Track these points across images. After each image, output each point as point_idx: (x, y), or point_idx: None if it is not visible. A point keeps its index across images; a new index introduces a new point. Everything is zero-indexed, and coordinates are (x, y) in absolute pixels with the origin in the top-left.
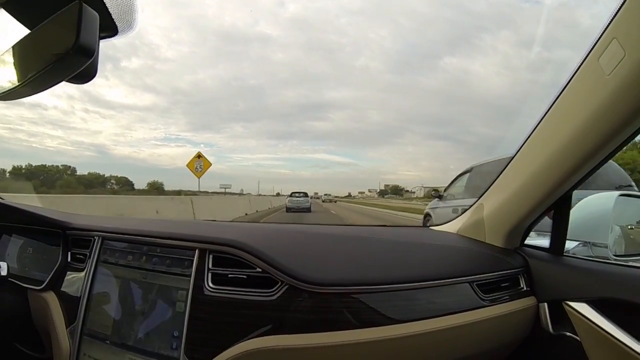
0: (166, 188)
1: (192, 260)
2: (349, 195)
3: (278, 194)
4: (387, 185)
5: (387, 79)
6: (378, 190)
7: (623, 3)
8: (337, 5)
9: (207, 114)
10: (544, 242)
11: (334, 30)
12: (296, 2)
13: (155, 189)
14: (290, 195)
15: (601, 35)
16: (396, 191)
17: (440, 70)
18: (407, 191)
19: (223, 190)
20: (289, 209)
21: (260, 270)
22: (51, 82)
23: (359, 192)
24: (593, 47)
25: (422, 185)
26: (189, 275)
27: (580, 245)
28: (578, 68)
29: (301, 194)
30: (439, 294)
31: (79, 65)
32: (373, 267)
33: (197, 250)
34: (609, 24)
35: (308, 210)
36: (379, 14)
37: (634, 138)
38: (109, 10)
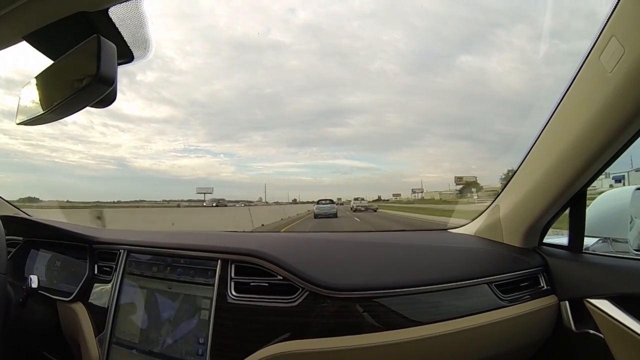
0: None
1: (215, 270)
2: (379, 199)
3: (295, 201)
4: (460, 179)
5: (404, 81)
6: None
7: (619, 1)
8: (348, 10)
9: (226, 124)
10: (563, 240)
11: (346, 35)
12: (306, 9)
13: None
14: (317, 203)
15: (600, 34)
16: None
17: (457, 70)
18: None
19: (202, 195)
20: (316, 215)
21: (281, 277)
22: (75, 108)
23: (394, 195)
24: (593, 45)
25: None
26: (213, 285)
27: (600, 241)
28: (581, 67)
29: (327, 201)
30: (458, 295)
31: (100, 93)
32: (392, 271)
33: (219, 261)
34: (607, 21)
35: (334, 215)
36: (391, 15)
37: None
38: (125, 39)
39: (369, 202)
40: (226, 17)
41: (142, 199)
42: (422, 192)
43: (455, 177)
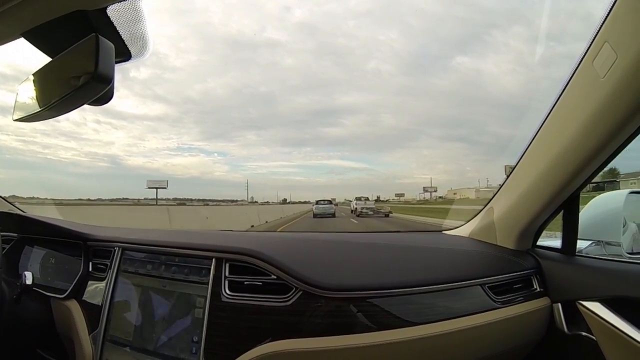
0: (173, 197)
1: (210, 269)
2: (378, 200)
3: (285, 200)
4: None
5: (400, 82)
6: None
7: (612, 7)
8: (344, 8)
9: (220, 123)
10: (557, 242)
11: (342, 34)
12: (302, 7)
13: None
14: (317, 203)
15: (594, 39)
16: None
17: (453, 71)
18: None
19: (155, 189)
20: (315, 215)
21: (275, 277)
22: (72, 106)
23: (396, 195)
24: (587, 50)
25: None
26: (207, 283)
27: (593, 244)
28: (574, 72)
29: (326, 202)
30: (451, 297)
31: (98, 92)
32: (386, 272)
33: (214, 259)
34: (600, 27)
35: (333, 215)
36: (388, 15)
37: (634, 137)
38: (122, 37)
39: (374, 201)
40: (221, 14)
41: (126, 197)
42: (435, 190)
43: (505, 166)
